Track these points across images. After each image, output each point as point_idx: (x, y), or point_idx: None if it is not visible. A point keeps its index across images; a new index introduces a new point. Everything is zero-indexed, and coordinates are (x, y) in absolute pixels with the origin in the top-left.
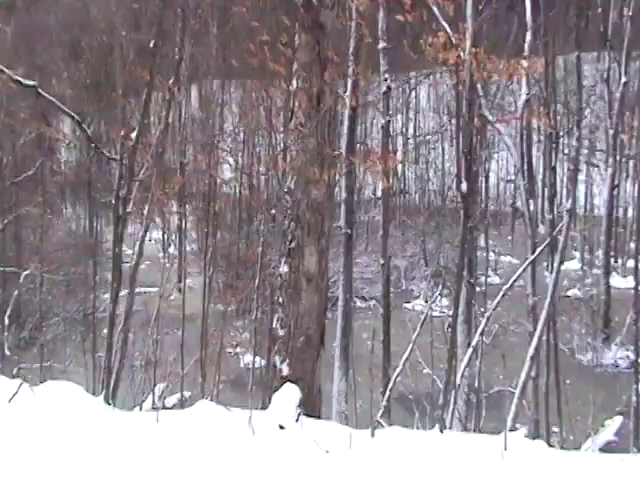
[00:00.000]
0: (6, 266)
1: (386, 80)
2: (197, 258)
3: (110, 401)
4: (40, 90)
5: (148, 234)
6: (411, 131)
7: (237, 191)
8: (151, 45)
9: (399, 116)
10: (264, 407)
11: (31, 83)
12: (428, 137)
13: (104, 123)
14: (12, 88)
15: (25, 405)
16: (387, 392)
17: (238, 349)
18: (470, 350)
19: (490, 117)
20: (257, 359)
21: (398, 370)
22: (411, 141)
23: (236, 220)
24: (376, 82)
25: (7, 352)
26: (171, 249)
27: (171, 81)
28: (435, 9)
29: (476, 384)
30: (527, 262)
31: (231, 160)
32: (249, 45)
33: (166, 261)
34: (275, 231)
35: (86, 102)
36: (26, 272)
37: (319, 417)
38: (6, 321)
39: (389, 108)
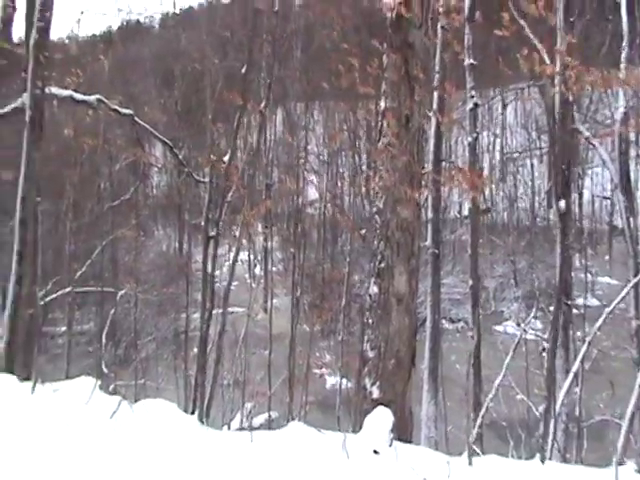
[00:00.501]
0: (103, 286)
1: (472, 97)
2: (282, 278)
3: (204, 420)
4: (136, 118)
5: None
6: (498, 148)
7: (322, 212)
8: (243, 70)
9: (485, 133)
10: (355, 430)
11: (128, 112)
12: (516, 154)
13: (193, 147)
14: (110, 116)
15: (125, 421)
16: (479, 418)
17: (323, 370)
18: (570, 376)
19: (584, 131)
20: (343, 381)
21: (490, 396)
22: (498, 158)
23: (321, 240)
24: (461, 99)
25: (105, 369)
26: (257, 270)
27: (262, 105)
28: (522, 22)
29: (576, 412)
30: (631, 283)
31: (315, 181)
32: (337, 67)
33: (252, 281)
34: (361, 251)
35: (177, 128)
36: (122, 292)
37: (410, 441)
38: (104, 339)
39: (476, 125)
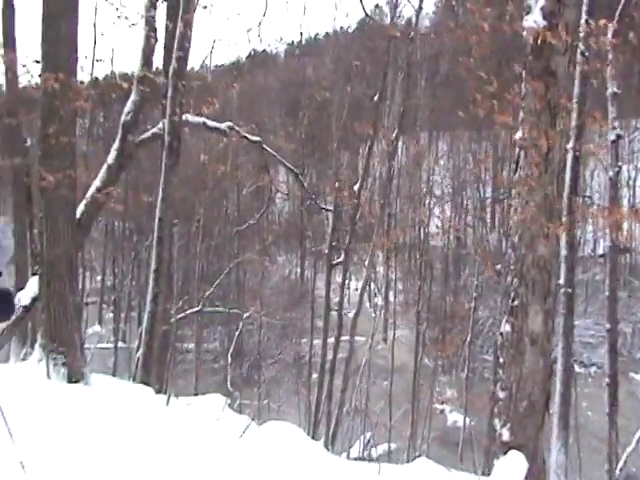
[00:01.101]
0: (230, 308)
1: (615, 128)
2: (403, 309)
3: (329, 447)
4: (264, 145)
5: (354, 283)
6: (639, 183)
7: (446, 244)
8: (375, 98)
9: (625, 166)
10: (484, 472)
11: (256, 139)
12: None
13: (316, 175)
14: (239, 143)
15: (253, 442)
16: (616, 471)
17: (444, 406)
18: None
19: None
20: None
21: (630, 449)
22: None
23: (444, 273)
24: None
25: (230, 387)
26: (377, 300)
27: (394, 134)
28: None
29: None
30: None
31: (439, 212)
32: (472, 95)
33: (373, 311)
34: (487, 286)
35: (301, 155)
36: (247, 314)
37: None
38: (229, 359)
39: (618, 158)
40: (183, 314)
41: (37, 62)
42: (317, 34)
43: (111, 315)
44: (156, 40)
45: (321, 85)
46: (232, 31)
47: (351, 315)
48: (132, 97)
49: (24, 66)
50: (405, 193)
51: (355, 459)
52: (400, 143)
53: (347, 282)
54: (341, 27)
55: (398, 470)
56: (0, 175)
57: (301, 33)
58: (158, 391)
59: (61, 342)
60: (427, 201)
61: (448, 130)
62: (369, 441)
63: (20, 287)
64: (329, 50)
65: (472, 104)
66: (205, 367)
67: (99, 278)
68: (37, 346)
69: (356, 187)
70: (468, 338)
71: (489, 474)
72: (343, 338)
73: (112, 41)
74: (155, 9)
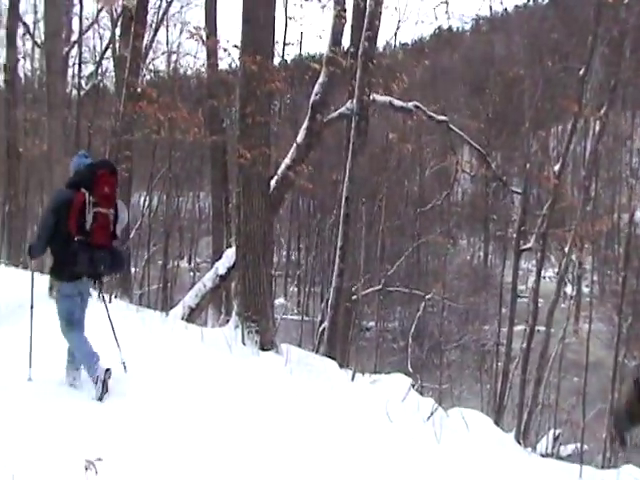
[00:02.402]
0: (411, 288)
1: None
2: (598, 301)
3: (520, 440)
4: (451, 125)
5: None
6: None
7: None
8: (580, 73)
9: None
10: None
11: (443, 118)
12: None
13: (503, 156)
14: (424, 123)
15: (441, 426)
16: None
17: None
18: None
19: None
20: None
21: None
22: None
23: None
24: None
25: (410, 369)
26: (567, 289)
27: (603, 110)
28: None
29: None
30: None
31: None
32: None
33: (562, 300)
34: None
35: (487, 135)
36: (429, 296)
37: None
38: (410, 340)
39: None
40: (366, 292)
41: (236, 47)
42: (505, 9)
43: (295, 289)
44: (345, 20)
45: (512, 61)
46: (417, 9)
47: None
48: (320, 78)
49: (225, 50)
50: (604, 175)
51: (542, 455)
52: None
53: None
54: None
55: (601, 475)
56: (201, 153)
57: (490, 7)
58: (341, 365)
59: (255, 311)
60: (632, 184)
61: None
62: (557, 438)
63: (217, 258)
64: (520, 25)
65: None
66: (384, 346)
67: (284, 253)
68: (234, 313)
69: (556, 167)
70: None
71: None
72: (529, 329)
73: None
74: None
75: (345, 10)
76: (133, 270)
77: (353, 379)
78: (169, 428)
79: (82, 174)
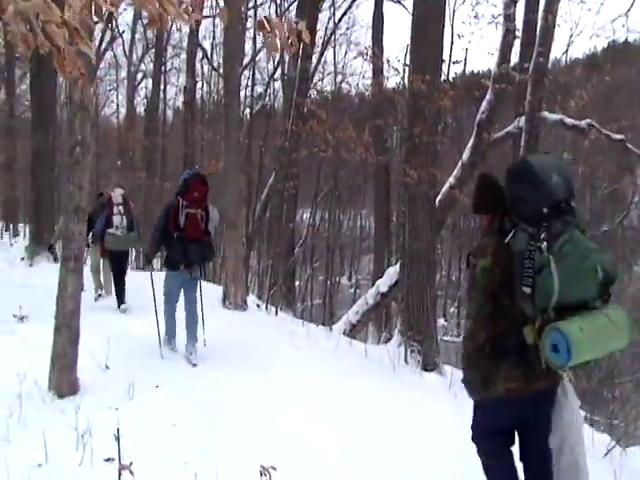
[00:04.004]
0: None
1: None
2: None
3: None
4: (628, 144)
5: None
6: None
7: None
8: None
9: None
10: None
11: (619, 137)
12: None
13: None
14: (599, 142)
15: (621, 465)
16: None
17: None
18: None
19: None
20: None
21: None
22: None
23: None
24: None
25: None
26: None
27: None
28: None
29: None
30: None
31: None
32: None
33: None
34: None
35: None
36: None
37: None
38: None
39: None
40: None
41: (406, 65)
42: None
43: (455, 310)
44: (514, 37)
45: None
46: (591, 22)
47: None
48: (488, 96)
49: (395, 69)
50: None
51: None
52: None
53: None
54: None
55: None
56: (364, 171)
57: None
58: None
59: (418, 330)
60: None
61: None
62: None
63: (379, 275)
64: None
65: None
66: None
67: (444, 273)
68: (396, 331)
69: None
70: None
71: None
72: None
73: (464, 42)
74: (515, 4)
75: (515, 26)
76: (297, 284)
77: None
78: (335, 442)
79: (182, 184)
